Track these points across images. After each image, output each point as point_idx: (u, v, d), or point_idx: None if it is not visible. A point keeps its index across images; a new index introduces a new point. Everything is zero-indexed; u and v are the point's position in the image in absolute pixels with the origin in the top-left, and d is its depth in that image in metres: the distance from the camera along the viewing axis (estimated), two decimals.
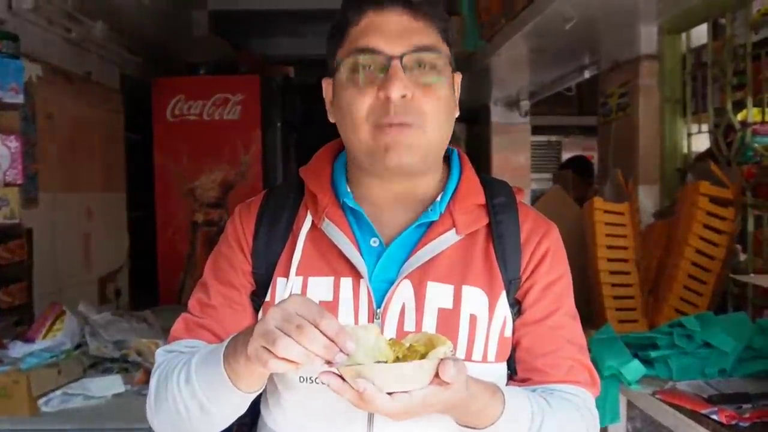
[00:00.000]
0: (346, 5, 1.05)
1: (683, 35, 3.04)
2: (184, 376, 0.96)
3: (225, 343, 0.93)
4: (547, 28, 3.11)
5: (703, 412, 1.76)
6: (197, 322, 1.08)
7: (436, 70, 1.01)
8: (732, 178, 2.48)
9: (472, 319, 1.02)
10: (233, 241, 1.10)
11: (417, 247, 1.03)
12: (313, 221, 1.07)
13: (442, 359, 0.81)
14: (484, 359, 1.02)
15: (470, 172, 1.11)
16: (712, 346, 2.03)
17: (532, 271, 1.07)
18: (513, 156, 5.90)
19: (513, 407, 0.94)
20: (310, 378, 0.99)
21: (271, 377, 1.03)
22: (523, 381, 1.06)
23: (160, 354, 1.07)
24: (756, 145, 2.54)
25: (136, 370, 2.30)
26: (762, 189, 2.49)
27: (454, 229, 1.04)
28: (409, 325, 1.00)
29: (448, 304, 1.02)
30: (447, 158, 1.13)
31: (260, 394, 1.04)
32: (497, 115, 5.86)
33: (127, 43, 4.10)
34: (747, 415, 1.71)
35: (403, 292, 1.01)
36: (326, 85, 1.10)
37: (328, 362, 0.79)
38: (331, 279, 1.03)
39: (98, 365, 2.36)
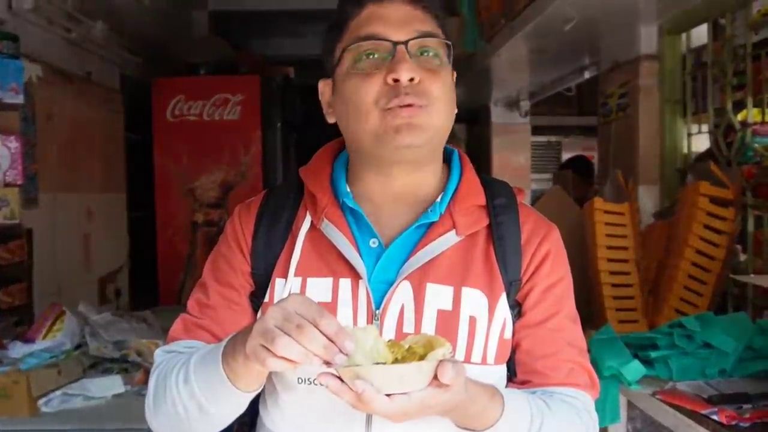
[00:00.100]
0: (344, 1, 1.06)
1: (683, 35, 3.04)
2: (182, 376, 0.96)
3: (223, 343, 0.93)
4: (547, 28, 3.11)
5: (703, 412, 1.76)
6: (196, 322, 1.08)
7: (438, 56, 1.03)
8: (732, 178, 2.48)
9: (472, 320, 1.01)
10: (232, 242, 1.10)
11: (417, 248, 1.03)
12: (312, 222, 1.07)
13: (440, 361, 0.81)
14: (484, 361, 1.02)
15: (471, 172, 1.10)
16: (713, 347, 2.03)
17: (533, 273, 1.06)
18: (513, 156, 5.91)
19: (512, 409, 0.93)
20: (308, 379, 0.99)
21: (269, 378, 1.03)
22: (523, 383, 1.06)
23: (159, 354, 1.07)
24: (756, 145, 2.54)
25: (136, 370, 2.30)
26: (762, 189, 2.49)
27: (454, 230, 1.04)
28: (408, 327, 1.00)
29: (448, 305, 1.01)
30: (447, 159, 1.13)
31: (259, 395, 1.04)
32: (497, 115, 5.86)
33: (127, 43, 4.11)
34: (747, 416, 1.70)
35: (402, 294, 1.01)
36: (323, 86, 1.10)
37: (327, 362, 0.79)
38: (329, 280, 1.03)
39: (98, 365, 2.36)
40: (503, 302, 1.04)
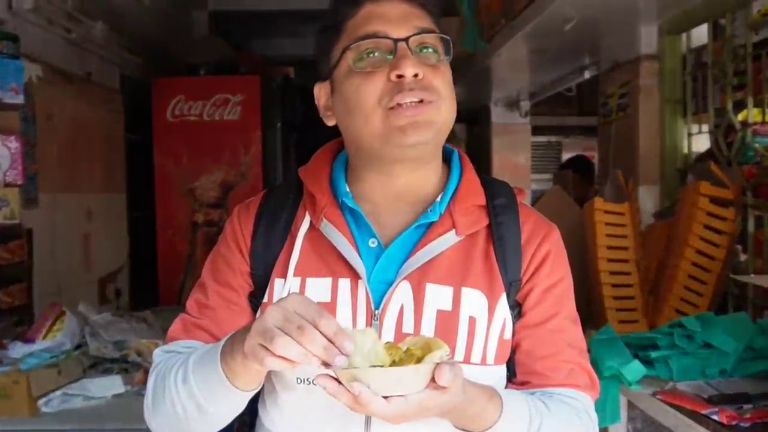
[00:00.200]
0: (339, 1, 1.06)
1: (683, 35, 3.04)
2: (181, 376, 0.96)
3: (222, 342, 0.92)
4: (547, 28, 3.11)
5: (704, 412, 1.76)
6: (195, 322, 1.07)
7: (437, 52, 1.03)
8: (732, 178, 2.48)
9: (471, 321, 1.01)
10: (231, 242, 1.10)
11: (416, 248, 1.02)
12: (311, 222, 1.06)
13: (438, 363, 0.81)
14: (483, 361, 1.02)
15: (470, 172, 1.10)
16: (713, 347, 2.03)
17: (533, 274, 1.06)
18: (513, 156, 5.91)
19: (511, 410, 0.93)
20: (307, 379, 0.99)
21: (269, 377, 1.03)
22: (522, 384, 1.05)
23: (158, 354, 1.07)
24: (756, 145, 2.54)
25: (136, 370, 2.30)
26: (762, 189, 2.49)
27: (453, 230, 1.03)
28: (408, 327, 1.00)
29: (447, 305, 1.01)
30: (447, 158, 1.13)
31: (258, 394, 1.04)
32: (497, 115, 5.86)
33: (127, 43, 4.10)
34: (747, 416, 1.70)
35: (401, 294, 1.01)
36: (319, 89, 1.09)
37: (325, 363, 0.79)
38: (329, 280, 1.03)
39: (98, 365, 2.36)
40: (503, 302, 1.04)
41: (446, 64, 1.05)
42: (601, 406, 2.04)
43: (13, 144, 2.75)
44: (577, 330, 1.09)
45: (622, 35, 3.19)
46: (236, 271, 1.08)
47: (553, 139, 6.89)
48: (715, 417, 1.72)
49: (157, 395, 1.00)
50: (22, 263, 2.89)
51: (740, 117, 2.67)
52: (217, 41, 4.89)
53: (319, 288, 1.03)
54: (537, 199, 4.13)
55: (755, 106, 2.59)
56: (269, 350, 0.80)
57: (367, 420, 0.98)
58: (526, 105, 5.65)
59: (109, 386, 2.17)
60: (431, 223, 1.04)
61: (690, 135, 3.05)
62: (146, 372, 2.21)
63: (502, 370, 1.06)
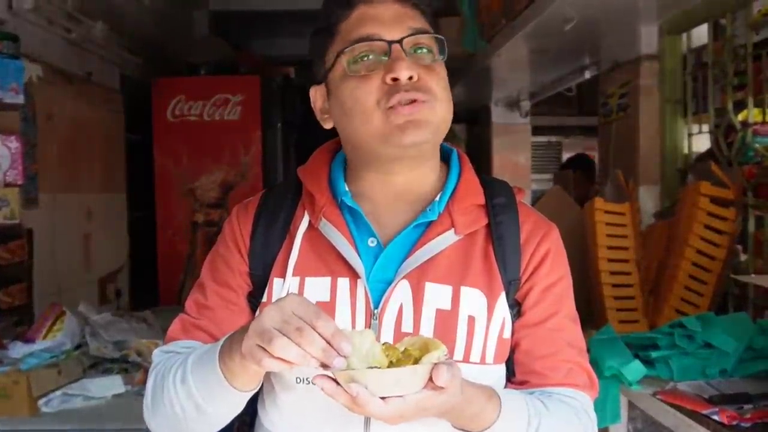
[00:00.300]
0: (332, 3, 1.05)
1: (684, 35, 3.04)
2: (180, 376, 0.96)
3: (220, 342, 0.92)
4: (547, 28, 3.11)
5: (704, 412, 1.76)
6: (194, 323, 1.07)
7: (432, 52, 1.03)
8: (733, 178, 2.48)
9: (471, 320, 1.01)
10: (230, 242, 1.10)
11: (415, 247, 1.02)
12: (310, 221, 1.06)
13: (436, 364, 0.81)
14: (483, 361, 1.02)
15: (470, 172, 1.10)
16: (713, 347, 2.03)
17: (532, 273, 1.06)
18: (513, 156, 5.91)
19: (509, 410, 0.93)
20: (306, 379, 0.99)
21: (268, 377, 1.03)
22: (522, 383, 1.05)
23: (157, 355, 1.07)
24: (757, 145, 2.54)
25: (136, 370, 2.30)
26: (763, 189, 2.48)
27: (453, 229, 1.03)
28: (407, 326, 1.00)
29: (447, 305, 1.01)
30: (446, 158, 1.13)
31: (257, 394, 1.04)
32: (498, 115, 5.86)
33: (127, 43, 4.10)
34: (748, 416, 1.70)
35: (400, 293, 1.01)
36: (314, 92, 1.09)
37: (323, 365, 0.79)
38: (328, 279, 1.03)
39: (98, 365, 2.36)
40: (502, 302, 1.04)
41: (441, 64, 1.04)
42: (601, 406, 2.04)
43: (14, 144, 2.75)
44: (576, 329, 1.09)
45: (622, 35, 3.19)
46: (235, 271, 1.08)
47: (554, 139, 6.90)
48: (715, 417, 1.72)
49: (156, 395, 1.00)
50: (22, 263, 2.89)
51: (740, 117, 2.67)
52: (218, 41, 4.89)
53: (318, 287, 1.03)
54: (537, 199, 4.13)
55: (755, 106, 2.59)
56: (267, 351, 0.80)
57: (367, 420, 0.98)
58: (526, 105, 5.65)
59: (109, 386, 2.17)
60: (430, 223, 1.04)
61: (690, 135, 3.05)
62: (146, 372, 2.21)
63: (502, 369, 1.06)
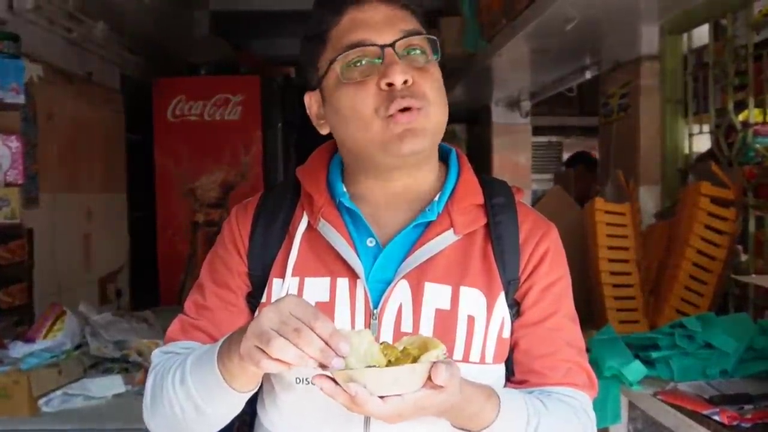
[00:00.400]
0: (321, 8, 1.04)
1: (684, 36, 3.03)
2: (179, 377, 0.96)
3: (219, 343, 0.92)
4: (548, 28, 3.10)
5: (705, 412, 1.76)
6: (193, 323, 1.07)
7: (425, 53, 1.02)
8: (733, 178, 2.48)
9: (470, 320, 1.01)
10: (229, 243, 1.10)
11: (414, 247, 1.02)
12: (309, 222, 1.06)
13: (434, 363, 0.81)
14: (482, 360, 1.01)
15: (468, 172, 1.10)
16: (714, 347, 2.03)
17: (531, 272, 1.06)
18: (514, 156, 5.91)
19: (508, 409, 0.93)
20: (306, 379, 0.99)
21: (267, 378, 1.03)
22: (521, 383, 1.05)
23: (156, 355, 1.07)
24: (757, 145, 2.54)
25: (137, 370, 2.30)
26: (763, 190, 2.48)
27: (452, 229, 1.03)
28: (406, 326, 1.00)
29: (446, 305, 1.01)
30: (445, 157, 1.13)
31: (257, 394, 1.04)
32: (498, 115, 5.86)
33: (127, 43, 4.11)
34: (749, 416, 1.70)
35: (400, 293, 1.01)
36: (309, 99, 1.09)
37: (322, 365, 0.79)
38: (327, 279, 1.03)
39: (99, 365, 2.36)
40: (501, 301, 1.04)
41: (435, 65, 1.04)
42: (601, 407, 2.04)
43: (14, 144, 2.75)
44: (575, 329, 1.09)
45: (623, 35, 3.19)
46: (234, 271, 1.08)
47: (554, 139, 6.89)
48: (716, 417, 1.72)
49: (155, 396, 1.00)
50: (22, 263, 2.89)
51: (741, 117, 2.67)
52: (218, 41, 4.89)
53: (317, 288, 1.03)
54: (538, 199, 4.13)
55: (756, 106, 2.58)
56: (265, 353, 0.80)
57: (366, 420, 0.98)
58: (526, 105, 5.65)
59: (109, 386, 2.17)
60: (429, 223, 1.04)
61: (691, 135, 3.04)
62: (146, 372, 2.21)
63: (501, 369, 1.06)
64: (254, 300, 1.07)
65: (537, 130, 6.25)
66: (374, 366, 0.82)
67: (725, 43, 2.71)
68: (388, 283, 1.01)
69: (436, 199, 1.05)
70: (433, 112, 1.00)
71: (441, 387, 0.81)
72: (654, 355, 2.07)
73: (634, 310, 2.58)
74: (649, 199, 3.06)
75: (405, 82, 0.97)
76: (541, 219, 1.11)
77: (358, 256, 1.02)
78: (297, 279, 1.04)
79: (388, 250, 1.03)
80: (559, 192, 3.39)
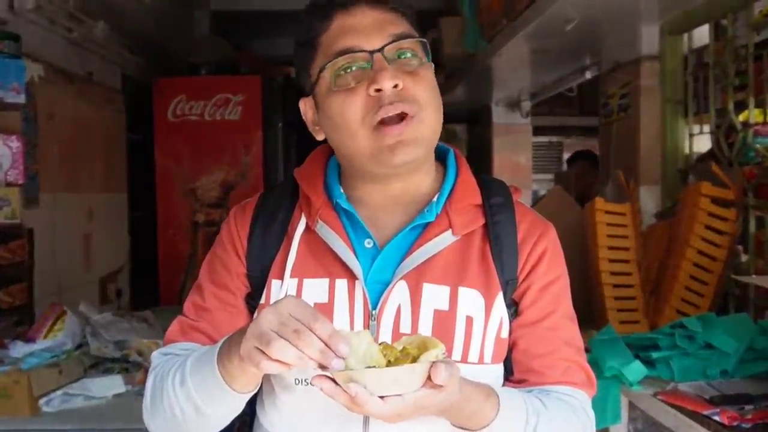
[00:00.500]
0: (311, 15, 1.04)
1: (685, 36, 3.03)
2: (179, 379, 0.96)
3: (219, 344, 0.92)
4: (548, 28, 3.10)
5: (705, 413, 1.76)
6: (192, 324, 1.07)
7: (417, 56, 1.01)
8: (733, 179, 2.48)
9: (468, 320, 1.01)
10: (228, 244, 1.10)
11: (413, 248, 1.02)
12: (307, 223, 1.06)
13: (434, 362, 0.81)
14: (481, 361, 1.02)
15: (466, 172, 1.10)
16: (714, 347, 2.03)
17: (529, 272, 1.06)
18: (514, 157, 5.91)
19: (507, 408, 0.93)
20: (305, 380, 0.99)
21: (267, 379, 1.03)
22: (520, 382, 1.05)
23: (156, 357, 1.07)
24: (758, 145, 2.54)
25: (137, 370, 2.30)
26: (763, 190, 2.48)
27: (450, 230, 1.03)
28: (405, 327, 1.00)
29: (444, 305, 1.01)
30: (443, 158, 1.13)
31: (256, 395, 1.04)
32: (498, 115, 5.86)
33: (128, 43, 4.11)
34: (749, 416, 1.70)
35: (398, 294, 1.01)
36: (304, 105, 1.08)
37: (322, 366, 0.80)
38: (326, 281, 1.03)
39: (99, 365, 2.36)
40: (500, 301, 1.04)
41: (428, 67, 1.03)
42: (602, 407, 2.04)
43: (15, 143, 2.75)
44: (574, 328, 1.09)
45: (623, 35, 3.19)
46: (233, 272, 1.08)
47: (554, 139, 6.90)
48: (716, 418, 1.72)
49: (155, 398, 1.00)
50: (22, 263, 2.89)
51: (741, 117, 2.67)
52: (218, 41, 4.89)
53: (316, 289, 1.03)
54: (538, 200, 4.12)
55: (756, 106, 2.58)
56: (265, 354, 0.80)
57: (366, 420, 0.98)
58: (527, 105, 5.65)
59: (109, 386, 2.17)
60: (427, 224, 1.04)
61: (691, 135, 3.04)
62: (147, 372, 2.21)
63: (500, 368, 1.06)
64: (253, 301, 1.07)
65: (537, 130, 6.25)
66: (374, 366, 0.82)
67: (725, 44, 2.70)
68: (387, 284, 1.01)
69: (435, 200, 1.05)
70: (426, 117, 0.99)
71: (440, 386, 0.81)
72: (654, 355, 2.07)
73: (634, 310, 2.58)
74: (649, 200, 3.06)
75: (396, 86, 0.97)
76: (538, 219, 1.11)
77: (357, 257, 1.02)
78: (295, 280, 1.04)
79: (386, 252, 1.03)
80: (559, 192, 3.39)
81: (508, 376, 1.07)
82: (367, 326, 1.00)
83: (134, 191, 4.32)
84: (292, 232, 1.07)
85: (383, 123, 0.97)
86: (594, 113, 3.93)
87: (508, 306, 1.05)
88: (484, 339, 1.02)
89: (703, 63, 2.97)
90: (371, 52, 0.98)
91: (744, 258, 2.61)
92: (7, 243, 2.78)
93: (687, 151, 3.06)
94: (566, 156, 6.34)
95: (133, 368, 2.32)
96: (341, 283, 1.02)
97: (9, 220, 2.76)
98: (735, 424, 1.69)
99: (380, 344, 0.85)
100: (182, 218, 4.48)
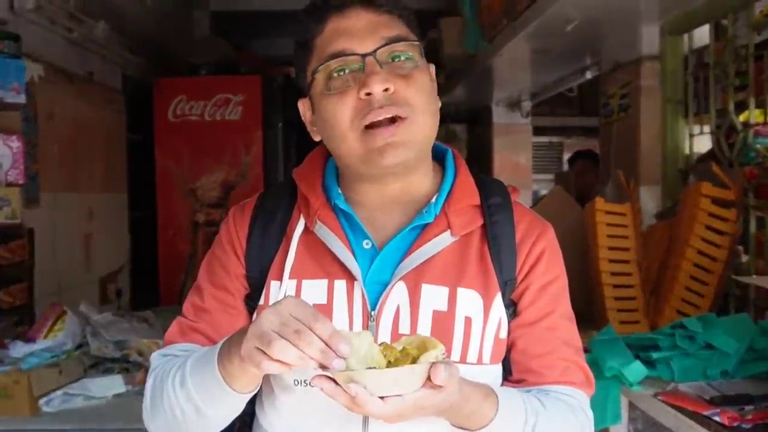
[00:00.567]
0: (306, 17, 1.04)
1: (685, 36, 3.03)
2: (179, 379, 0.96)
3: (219, 345, 0.92)
4: (548, 28, 3.10)
5: (705, 413, 1.76)
6: (191, 325, 1.07)
7: (411, 59, 1.01)
8: (734, 179, 2.47)
9: (467, 321, 1.01)
10: (227, 244, 1.10)
11: (411, 249, 1.02)
12: (306, 224, 1.06)
13: (433, 363, 0.81)
14: (479, 361, 1.02)
15: (465, 173, 1.10)
16: (714, 348, 2.03)
17: (528, 272, 1.06)
18: (514, 157, 5.91)
19: (507, 408, 0.93)
20: (304, 380, 0.99)
21: (267, 379, 1.03)
22: (518, 382, 1.06)
23: (156, 358, 1.07)
24: (758, 146, 2.54)
25: (137, 370, 2.30)
26: (764, 190, 2.48)
27: (449, 230, 1.03)
28: (404, 328, 1.00)
29: (443, 306, 1.01)
30: (441, 158, 1.12)
31: (256, 396, 1.04)
32: (499, 115, 5.86)
33: (128, 43, 4.11)
34: (749, 417, 1.70)
35: (397, 294, 1.01)
36: (302, 106, 1.09)
37: (322, 366, 0.80)
38: (325, 282, 1.03)
39: (99, 365, 2.36)
40: (498, 302, 1.04)
41: (423, 70, 1.02)
42: (602, 407, 2.04)
43: (15, 143, 2.75)
44: (572, 328, 1.09)
45: (623, 36, 3.19)
46: (232, 273, 1.08)
47: (555, 139, 6.90)
48: (716, 418, 1.72)
49: (155, 399, 1.00)
50: (23, 263, 2.89)
51: (742, 118, 2.67)
52: (219, 41, 4.89)
53: (315, 290, 1.03)
54: (538, 200, 4.12)
55: (757, 106, 2.58)
56: (266, 354, 0.80)
57: (365, 420, 0.98)
58: (527, 105, 5.66)
59: (109, 386, 2.17)
60: (426, 225, 1.04)
61: (691, 136, 3.04)
62: (147, 372, 2.21)
63: (498, 369, 1.06)
64: (252, 302, 1.07)
65: (537, 131, 6.25)
66: (374, 367, 0.82)
67: (726, 44, 2.70)
68: (386, 285, 1.01)
69: (433, 201, 1.05)
70: (418, 120, 0.99)
71: (440, 387, 0.81)
72: (654, 355, 2.07)
73: (634, 310, 2.58)
74: (649, 200, 3.06)
75: (387, 90, 0.97)
76: (537, 219, 1.11)
77: (355, 258, 1.02)
78: (294, 281, 1.04)
79: (385, 253, 1.03)
80: (560, 192, 3.39)
81: (507, 376, 1.07)
82: (366, 327, 1.00)
83: (134, 191, 4.32)
84: (291, 233, 1.07)
85: (372, 126, 0.97)
86: (594, 113, 3.93)
87: (507, 306, 1.05)
88: (482, 339, 1.02)
89: (703, 63, 2.97)
90: (363, 56, 0.98)
91: (744, 258, 2.61)
92: (8, 243, 2.78)
93: (687, 151, 3.06)
94: (566, 156, 6.35)
95: (134, 368, 2.32)
96: (340, 284, 1.02)
97: (9, 220, 2.76)
98: (735, 424, 1.68)
99: (380, 344, 0.85)
100: (182, 218, 4.48)
